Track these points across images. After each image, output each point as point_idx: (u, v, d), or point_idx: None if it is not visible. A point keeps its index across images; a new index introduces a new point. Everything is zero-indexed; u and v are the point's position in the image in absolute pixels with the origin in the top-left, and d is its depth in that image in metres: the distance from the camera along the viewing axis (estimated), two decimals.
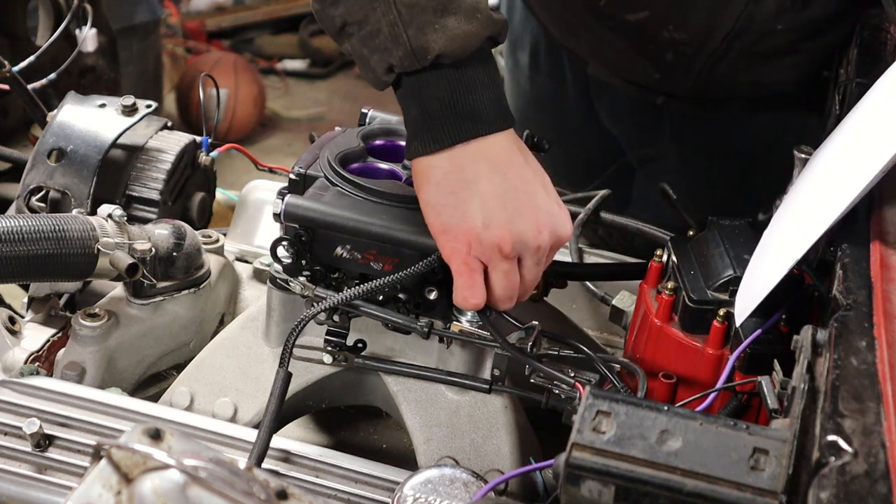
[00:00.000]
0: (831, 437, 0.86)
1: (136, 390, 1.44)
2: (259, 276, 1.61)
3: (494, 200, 1.16)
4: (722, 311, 1.24)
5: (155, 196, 1.60)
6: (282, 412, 1.32)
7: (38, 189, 1.54)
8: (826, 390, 0.93)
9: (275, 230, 1.40)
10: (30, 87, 1.81)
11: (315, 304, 1.27)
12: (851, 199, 1.11)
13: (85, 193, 1.52)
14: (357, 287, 1.25)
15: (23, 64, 1.85)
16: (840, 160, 1.23)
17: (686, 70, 1.85)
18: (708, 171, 2.06)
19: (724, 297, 1.26)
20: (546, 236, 1.19)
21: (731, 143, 2.03)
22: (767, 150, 1.99)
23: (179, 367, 1.45)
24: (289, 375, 1.24)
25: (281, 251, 1.29)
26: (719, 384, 1.21)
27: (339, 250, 1.27)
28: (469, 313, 1.29)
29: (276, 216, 1.28)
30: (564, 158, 2.23)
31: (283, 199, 1.27)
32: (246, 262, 1.66)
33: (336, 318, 1.30)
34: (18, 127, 2.42)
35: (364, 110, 1.50)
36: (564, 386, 1.23)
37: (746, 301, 1.20)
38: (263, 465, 1.21)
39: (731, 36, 1.75)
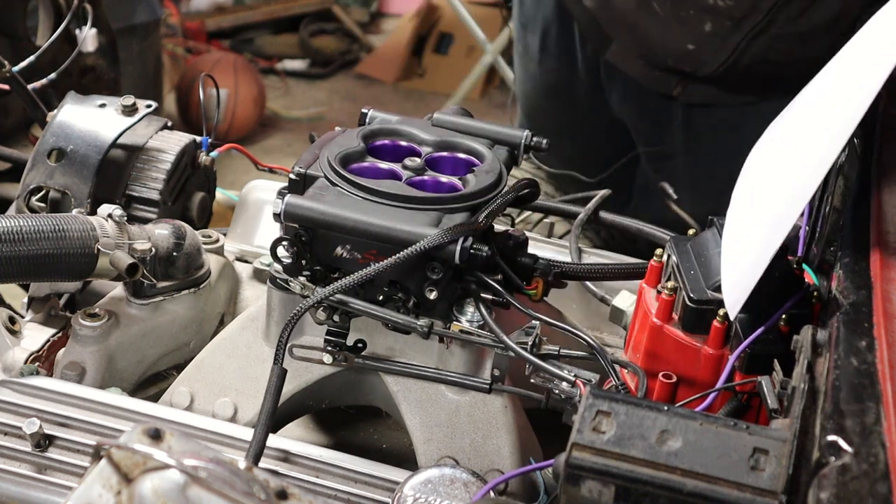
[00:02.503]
0: (831, 437, 0.86)
1: (136, 390, 1.44)
2: (259, 276, 1.61)
3: None
4: (722, 311, 1.24)
5: (155, 196, 1.61)
6: (282, 412, 1.32)
7: (38, 189, 1.54)
8: (826, 390, 0.93)
9: (275, 230, 1.40)
10: (30, 87, 1.81)
11: (315, 307, 1.27)
12: (833, 158, 1.08)
13: (85, 193, 1.52)
14: (346, 278, 1.24)
15: (23, 64, 1.85)
16: (816, 117, 1.19)
17: (721, 44, 1.82)
18: (714, 165, 2.06)
19: None
20: None
21: (740, 136, 2.02)
22: None
23: (179, 367, 1.45)
24: (283, 372, 1.24)
25: (281, 251, 1.29)
26: (719, 384, 1.21)
27: (339, 250, 1.27)
28: (469, 313, 1.29)
29: (276, 216, 1.28)
30: (572, 146, 2.23)
31: (283, 199, 1.27)
32: (246, 262, 1.66)
33: (336, 317, 1.30)
34: (18, 127, 2.42)
35: (364, 110, 1.50)
36: (565, 385, 1.23)
37: (737, 290, 1.16)
38: (263, 465, 1.21)
39: (779, 5, 1.71)
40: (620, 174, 2.18)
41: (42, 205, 1.55)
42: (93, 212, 1.43)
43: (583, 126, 2.19)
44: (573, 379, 1.22)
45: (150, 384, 1.48)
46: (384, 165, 1.38)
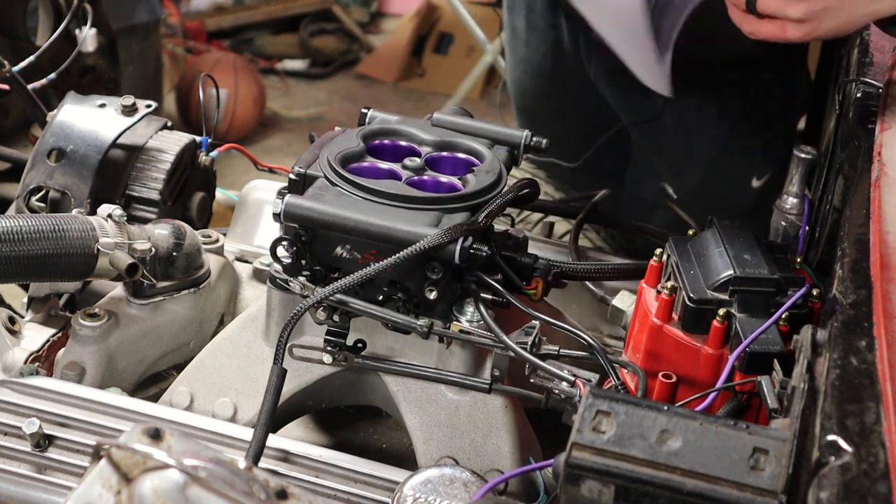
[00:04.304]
0: (831, 437, 0.86)
1: (136, 390, 1.44)
2: (259, 276, 1.61)
3: None
4: (722, 311, 1.24)
5: (155, 196, 1.60)
6: (282, 412, 1.32)
7: (38, 189, 1.54)
8: (826, 390, 0.93)
9: (275, 230, 1.40)
10: (30, 87, 1.81)
11: (315, 307, 1.27)
12: None
13: (85, 193, 1.52)
14: (346, 278, 1.24)
15: (23, 64, 1.85)
16: None
17: None
18: (701, 131, 2.07)
19: (724, 296, 1.26)
20: None
21: (725, 101, 2.04)
22: (754, 113, 2.01)
23: (179, 367, 1.45)
24: (283, 372, 1.24)
25: (281, 251, 1.29)
26: (719, 384, 1.21)
27: (338, 250, 1.27)
28: (469, 313, 1.29)
29: (276, 216, 1.28)
30: (560, 129, 2.24)
31: (282, 199, 1.27)
32: (246, 262, 1.66)
33: (336, 317, 1.30)
34: (18, 127, 2.42)
35: (364, 110, 1.50)
36: (565, 385, 1.23)
37: None
38: (263, 465, 1.21)
39: None
40: (611, 163, 2.19)
41: (42, 205, 1.55)
42: (93, 212, 1.43)
43: (570, 107, 2.21)
44: (573, 379, 1.22)
45: (150, 384, 1.48)
46: (384, 165, 1.38)
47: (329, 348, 1.31)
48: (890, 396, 0.90)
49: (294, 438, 1.29)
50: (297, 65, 5.39)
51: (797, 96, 2.07)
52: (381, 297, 1.29)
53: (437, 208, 1.29)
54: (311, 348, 1.32)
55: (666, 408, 0.94)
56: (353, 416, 1.52)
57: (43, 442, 1.25)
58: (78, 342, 1.39)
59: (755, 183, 2.09)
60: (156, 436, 0.85)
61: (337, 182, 1.31)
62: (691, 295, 1.27)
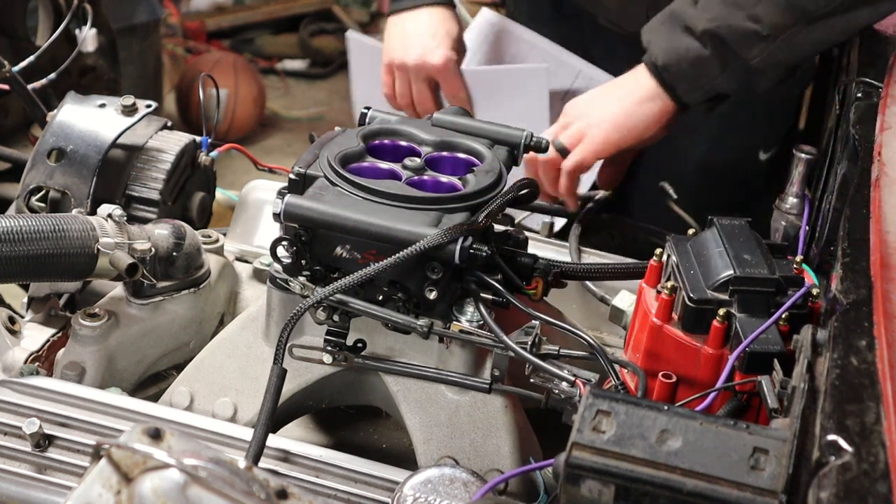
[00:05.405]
0: (831, 437, 0.86)
1: (136, 390, 1.44)
2: (259, 276, 1.61)
3: None
4: (722, 311, 1.24)
5: (155, 196, 1.60)
6: (282, 412, 1.32)
7: (38, 189, 1.54)
8: (826, 390, 0.93)
9: (275, 230, 1.40)
10: (30, 87, 1.81)
11: (315, 307, 1.27)
12: None
13: (85, 193, 1.52)
14: (346, 278, 1.24)
15: (23, 64, 1.85)
16: None
17: (638, 5, 1.88)
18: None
19: (724, 296, 1.26)
20: None
21: None
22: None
23: (179, 367, 1.45)
24: (283, 372, 1.24)
25: (281, 251, 1.29)
26: (719, 384, 1.21)
27: (338, 250, 1.27)
28: (469, 313, 1.29)
29: (276, 216, 1.28)
30: None
31: (282, 199, 1.27)
32: (246, 262, 1.66)
33: (336, 317, 1.30)
34: (18, 127, 2.42)
35: (364, 110, 1.50)
36: (565, 385, 1.23)
37: None
38: (263, 465, 1.21)
39: None
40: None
41: (42, 205, 1.55)
42: (93, 212, 1.43)
43: None
44: (573, 379, 1.22)
45: (150, 384, 1.48)
46: (384, 165, 1.38)
47: (329, 348, 1.31)
48: (890, 396, 0.90)
49: (294, 438, 1.29)
50: (297, 65, 5.39)
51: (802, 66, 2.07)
52: (381, 297, 1.29)
53: (437, 208, 1.29)
54: (311, 348, 1.32)
55: (666, 408, 0.94)
56: (353, 416, 1.52)
57: (43, 442, 1.25)
58: (78, 342, 1.39)
59: (762, 155, 2.09)
60: (156, 436, 0.85)
61: (337, 182, 1.31)
62: (691, 295, 1.27)
